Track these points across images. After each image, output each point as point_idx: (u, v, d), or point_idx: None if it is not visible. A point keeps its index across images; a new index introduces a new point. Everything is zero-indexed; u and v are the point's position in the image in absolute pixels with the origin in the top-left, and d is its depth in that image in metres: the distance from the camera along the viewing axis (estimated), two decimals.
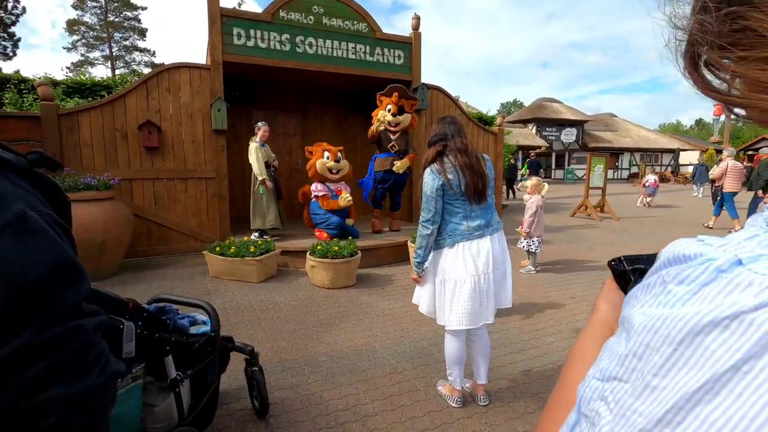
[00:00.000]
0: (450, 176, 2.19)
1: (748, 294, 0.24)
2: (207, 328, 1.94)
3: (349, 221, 5.81)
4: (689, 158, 32.42)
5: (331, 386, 2.60)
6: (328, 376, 2.71)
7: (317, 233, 5.80)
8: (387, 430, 2.19)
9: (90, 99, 7.26)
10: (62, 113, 5.39)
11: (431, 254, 2.34)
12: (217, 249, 4.88)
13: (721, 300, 0.24)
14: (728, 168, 8.39)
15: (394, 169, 5.93)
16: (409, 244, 5.64)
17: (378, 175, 6.06)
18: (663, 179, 28.03)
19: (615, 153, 30.01)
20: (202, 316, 2.01)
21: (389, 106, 5.86)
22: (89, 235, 4.48)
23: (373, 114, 6.00)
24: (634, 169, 31.94)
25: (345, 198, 5.47)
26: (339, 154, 5.71)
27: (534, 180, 5.43)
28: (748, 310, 0.23)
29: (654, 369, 0.26)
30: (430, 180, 2.22)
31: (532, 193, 5.34)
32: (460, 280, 2.21)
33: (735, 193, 8.33)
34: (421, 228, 2.26)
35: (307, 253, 4.77)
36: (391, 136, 5.98)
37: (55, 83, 7.45)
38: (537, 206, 5.16)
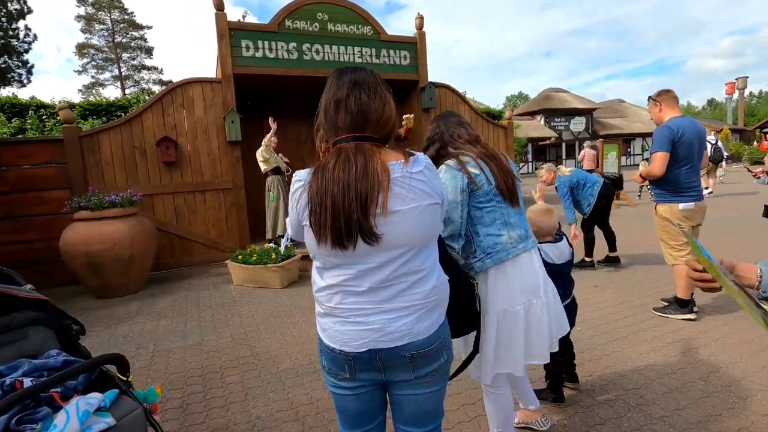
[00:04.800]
0: (473, 170, 1.64)
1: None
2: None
3: None
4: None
5: None
6: None
7: None
8: None
9: (105, 119, 7.47)
10: (83, 134, 5.56)
11: None
12: (240, 258, 4.98)
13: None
14: (586, 153, 11.98)
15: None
16: None
17: None
18: None
19: (627, 139, 29.57)
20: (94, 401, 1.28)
21: None
22: (117, 251, 4.62)
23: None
24: (647, 155, 31.36)
25: None
26: None
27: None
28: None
29: None
30: (449, 179, 1.63)
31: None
32: (511, 312, 1.66)
33: (592, 170, 11.62)
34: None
35: None
36: None
37: (71, 106, 7.69)
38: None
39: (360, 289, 1.04)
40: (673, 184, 3.13)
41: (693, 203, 3.18)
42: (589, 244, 5.01)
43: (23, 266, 5.19)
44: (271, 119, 5.76)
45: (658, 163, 3.05)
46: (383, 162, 1.01)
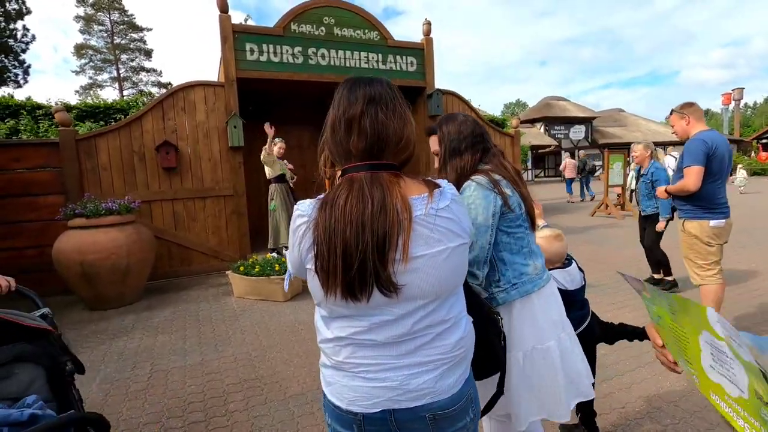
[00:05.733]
0: (507, 191, 1.47)
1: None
2: None
3: None
4: None
5: None
6: None
7: None
8: None
9: (103, 122, 7.27)
10: (80, 138, 5.35)
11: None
12: (241, 269, 4.78)
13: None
14: (567, 163, 15.20)
15: None
16: None
17: None
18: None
19: (626, 148, 29.62)
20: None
21: None
22: (113, 261, 4.41)
23: None
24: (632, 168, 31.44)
25: None
26: None
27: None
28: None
29: None
30: (481, 199, 1.43)
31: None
32: (541, 349, 1.49)
33: (573, 179, 15.20)
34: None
35: None
36: None
37: (68, 108, 7.47)
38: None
39: (374, 342, 0.89)
40: (706, 200, 2.98)
41: (723, 220, 3.03)
42: (663, 263, 4.62)
43: (13, 274, 4.93)
44: (267, 125, 5.51)
45: (694, 177, 2.90)
46: (404, 197, 0.84)
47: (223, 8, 5.81)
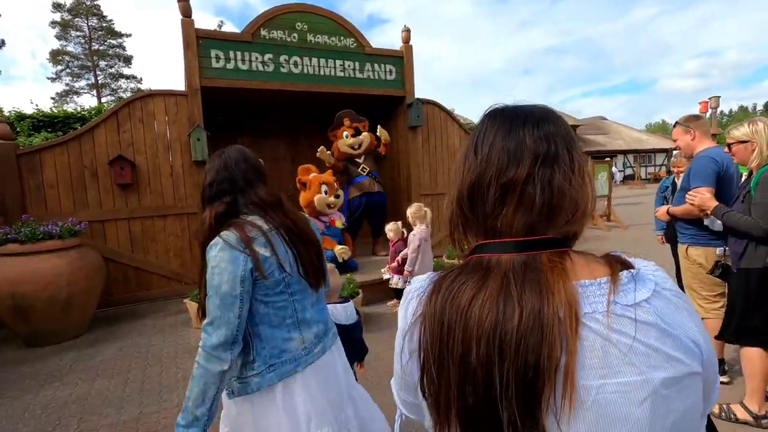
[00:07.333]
0: (262, 251, 1.22)
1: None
2: None
3: (342, 250, 5.12)
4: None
5: None
6: None
7: None
8: None
9: (60, 133, 6.76)
10: (22, 152, 4.85)
11: (226, 409, 1.35)
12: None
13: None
14: None
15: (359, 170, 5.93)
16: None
17: (354, 201, 5.96)
18: (658, 180, 27.93)
19: (609, 156, 29.88)
20: None
21: (345, 133, 5.87)
22: (51, 291, 3.91)
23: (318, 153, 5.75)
24: (629, 171, 31.84)
25: (341, 251, 4.98)
26: (336, 185, 5.30)
27: (414, 207, 4.42)
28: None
29: None
30: (227, 262, 1.17)
31: (415, 223, 4.38)
32: None
33: None
34: (208, 360, 1.14)
35: None
36: (358, 160, 5.97)
37: (21, 117, 6.94)
38: (420, 239, 4.23)
39: None
40: None
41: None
42: None
43: None
44: None
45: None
46: (569, 290, 0.50)
47: (186, 12, 5.39)
